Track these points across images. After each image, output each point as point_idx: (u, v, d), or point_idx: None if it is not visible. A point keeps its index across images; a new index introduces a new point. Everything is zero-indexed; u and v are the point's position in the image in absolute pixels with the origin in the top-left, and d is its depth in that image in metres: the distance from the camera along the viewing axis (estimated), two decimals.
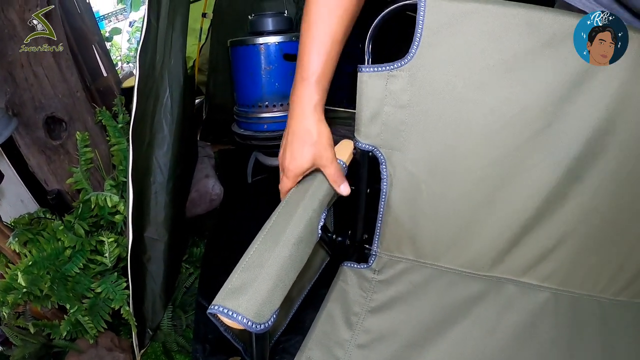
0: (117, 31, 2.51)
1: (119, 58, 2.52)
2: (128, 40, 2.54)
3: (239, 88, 1.37)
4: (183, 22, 1.07)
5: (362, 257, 0.79)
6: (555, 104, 0.58)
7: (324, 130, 0.59)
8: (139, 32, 1.12)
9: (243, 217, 1.52)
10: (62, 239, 0.98)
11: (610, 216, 0.65)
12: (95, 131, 1.20)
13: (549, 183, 0.63)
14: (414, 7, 0.56)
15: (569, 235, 0.67)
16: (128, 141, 0.99)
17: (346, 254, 0.78)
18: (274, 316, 0.46)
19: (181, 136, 1.12)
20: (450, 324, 0.65)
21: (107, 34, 2.46)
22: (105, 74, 1.58)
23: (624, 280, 0.68)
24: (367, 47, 0.62)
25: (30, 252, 0.95)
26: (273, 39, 1.26)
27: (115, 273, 1.04)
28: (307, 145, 0.59)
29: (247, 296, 0.44)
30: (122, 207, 1.07)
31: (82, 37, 1.47)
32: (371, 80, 0.62)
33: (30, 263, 0.93)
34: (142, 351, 1.11)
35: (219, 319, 0.44)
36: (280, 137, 1.32)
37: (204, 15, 1.80)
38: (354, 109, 0.66)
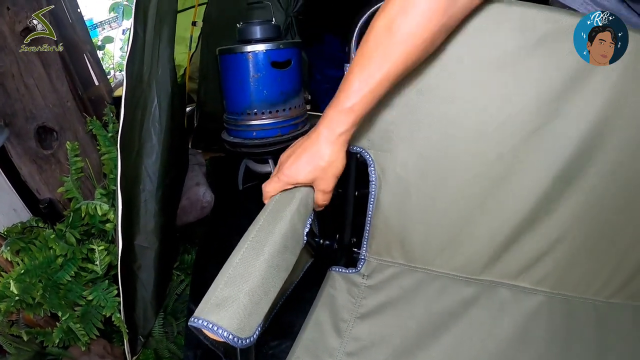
0: (109, 39, 2.51)
1: (111, 66, 2.53)
2: (121, 49, 2.54)
3: (228, 96, 1.38)
4: (170, 32, 1.07)
5: (351, 261, 0.77)
6: (550, 103, 0.57)
7: (337, 163, 0.57)
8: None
9: (234, 224, 1.51)
10: (53, 247, 0.99)
11: (604, 218, 0.64)
12: (86, 140, 1.22)
13: (542, 185, 0.62)
14: None
15: (562, 238, 0.65)
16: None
17: (334, 259, 0.76)
18: (258, 329, 0.45)
19: (170, 145, 1.13)
20: (443, 330, 0.63)
21: (99, 42, 2.47)
22: (97, 83, 1.59)
23: (618, 282, 0.68)
24: (353, 46, 0.62)
25: (22, 260, 0.97)
26: (261, 47, 1.27)
27: (107, 281, 1.06)
28: (313, 166, 0.56)
29: (231, 310, 0.43)
30: (113, 216, 1.08)
31: (74, 46, 1.48)
32: None
33: (22, 271, 0.94)
34: (134, 358, 1.12)
35: (202, 331, 0.43)
36: (269, 145, 1.36)
37: (193, 23, 1.81)
38: None
